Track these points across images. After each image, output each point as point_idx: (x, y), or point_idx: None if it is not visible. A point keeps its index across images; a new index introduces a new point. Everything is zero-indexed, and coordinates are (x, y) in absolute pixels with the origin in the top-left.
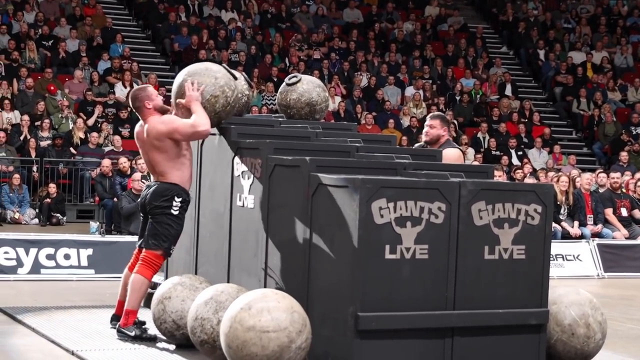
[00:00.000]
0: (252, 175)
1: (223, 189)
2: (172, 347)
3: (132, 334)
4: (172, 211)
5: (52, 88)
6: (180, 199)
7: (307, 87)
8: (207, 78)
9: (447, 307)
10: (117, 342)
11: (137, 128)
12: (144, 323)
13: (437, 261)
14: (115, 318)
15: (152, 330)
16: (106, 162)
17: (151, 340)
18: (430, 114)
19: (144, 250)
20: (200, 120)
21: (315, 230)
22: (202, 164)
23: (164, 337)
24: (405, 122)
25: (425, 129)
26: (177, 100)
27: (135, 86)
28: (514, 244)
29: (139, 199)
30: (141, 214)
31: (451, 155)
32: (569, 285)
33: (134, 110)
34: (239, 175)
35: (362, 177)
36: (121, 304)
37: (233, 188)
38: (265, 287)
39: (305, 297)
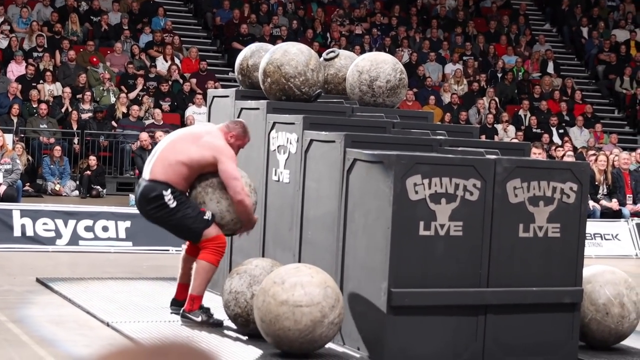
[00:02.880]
0: (287, 150)
1: (258, 164)
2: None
3: (199, 319)
4: (170, 205)
5: (94, 60)
6: (168, 191)
7: (345, 62)
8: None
9: (481, 284)
10: (152, 314)
11: (196, 126)
12: (208, 309)
13: (472, 238)
14: (175, 303)
15: (218, 315)
16: (144, 136)
17: (218, 326)
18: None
19: (198, 244)
20: (247, 193)
21: (350, 206)
22: None
23: (232, 323)
24: (446, 98)
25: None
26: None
27: (177, 60)
28: (549, 222)
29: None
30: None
31: None
32: (605, 265)
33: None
34: (274, 150)
35: (397, 153)
36: (181, 287)
37: (269, 163)
38: (299, 261)
39: (339, 272)
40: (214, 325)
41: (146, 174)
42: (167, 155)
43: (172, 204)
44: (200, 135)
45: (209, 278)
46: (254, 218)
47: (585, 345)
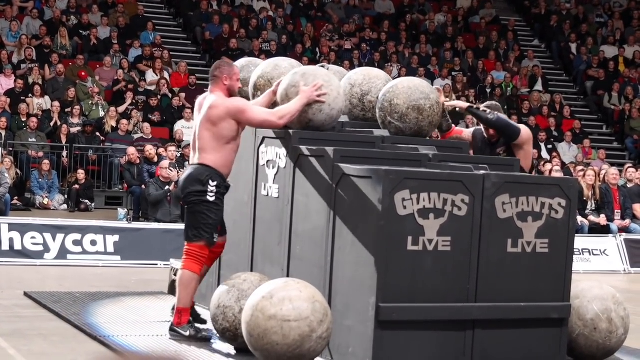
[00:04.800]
0: (277, 165)
1: (248, 178)
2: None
3: (187, 333)
4: (208, 198)
5: (83, 74)
6: (215, 183)
7: None
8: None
9: (469, 299)
10: (140, 328)
11: (199, 98)
12: (198, 320)
13: (460, 253)
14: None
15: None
16: (131, 150)
17: (206, 340)
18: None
19: (186, 243)
20: (282, 111)
21: (339, 221)
22: None
23: (220, 336)
24: None
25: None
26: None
27: (166, 73)
28: (537, 238)
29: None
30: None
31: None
32: (593, 280)
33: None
34: (264, 165)
35: (386, 168)
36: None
37: (258, 177)
38: (288, 276)
39: (328, 287)
40: (202, 340)
41: (194, 159)
42: (202, 145)
43: (212, 197)
44: (204, 115)
45: (193, 288)
46: (307, 94)
47: None
